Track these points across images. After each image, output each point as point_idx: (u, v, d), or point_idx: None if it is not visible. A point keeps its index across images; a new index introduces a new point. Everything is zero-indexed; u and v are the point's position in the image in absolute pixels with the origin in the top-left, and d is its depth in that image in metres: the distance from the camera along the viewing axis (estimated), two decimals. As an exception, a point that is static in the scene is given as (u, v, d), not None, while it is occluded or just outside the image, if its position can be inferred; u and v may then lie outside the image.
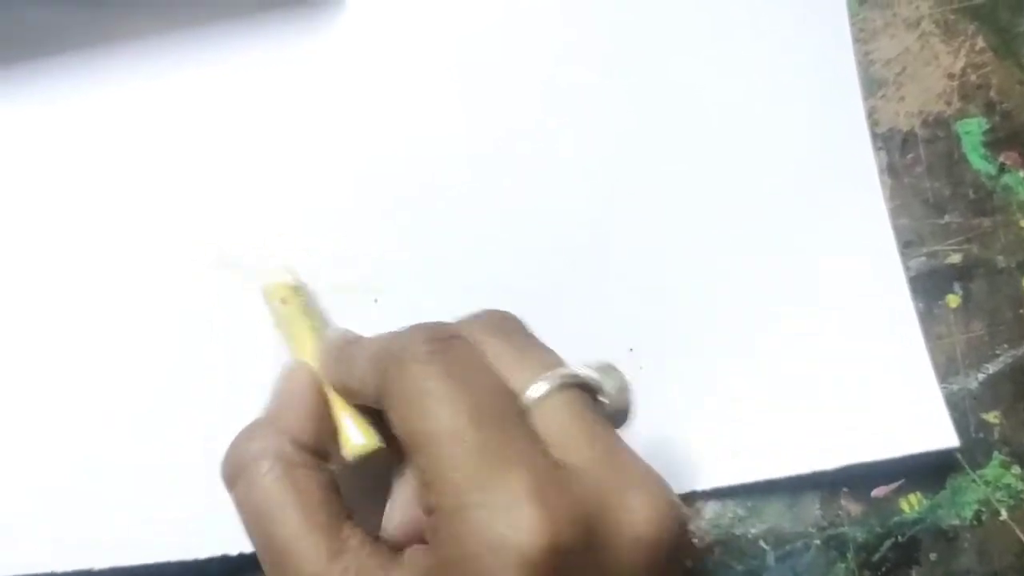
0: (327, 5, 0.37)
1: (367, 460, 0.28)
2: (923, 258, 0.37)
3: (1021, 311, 0.37)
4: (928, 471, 0.35)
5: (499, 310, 0.28)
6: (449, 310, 0.34)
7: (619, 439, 0.25)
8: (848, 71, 0.38)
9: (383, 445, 0.28)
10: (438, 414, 0.24)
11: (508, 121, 0.37)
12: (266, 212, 0.36)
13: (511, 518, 0.22)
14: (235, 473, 0.27)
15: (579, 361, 0.26)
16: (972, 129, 0.38)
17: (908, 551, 0.35)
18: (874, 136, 0.38)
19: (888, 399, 0.35)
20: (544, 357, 0.26)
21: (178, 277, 0.35)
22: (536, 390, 0.25)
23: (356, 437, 0.28)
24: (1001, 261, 0.37)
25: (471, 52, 0.37)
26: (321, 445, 0.28)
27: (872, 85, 0.38)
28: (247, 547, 0.27)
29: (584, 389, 0.26)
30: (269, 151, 0.36)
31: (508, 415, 0.24)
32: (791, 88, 0.38)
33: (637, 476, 0.24)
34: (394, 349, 0.25)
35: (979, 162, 0.38)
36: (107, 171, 0.36)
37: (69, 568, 0.32)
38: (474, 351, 0.26)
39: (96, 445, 0.33)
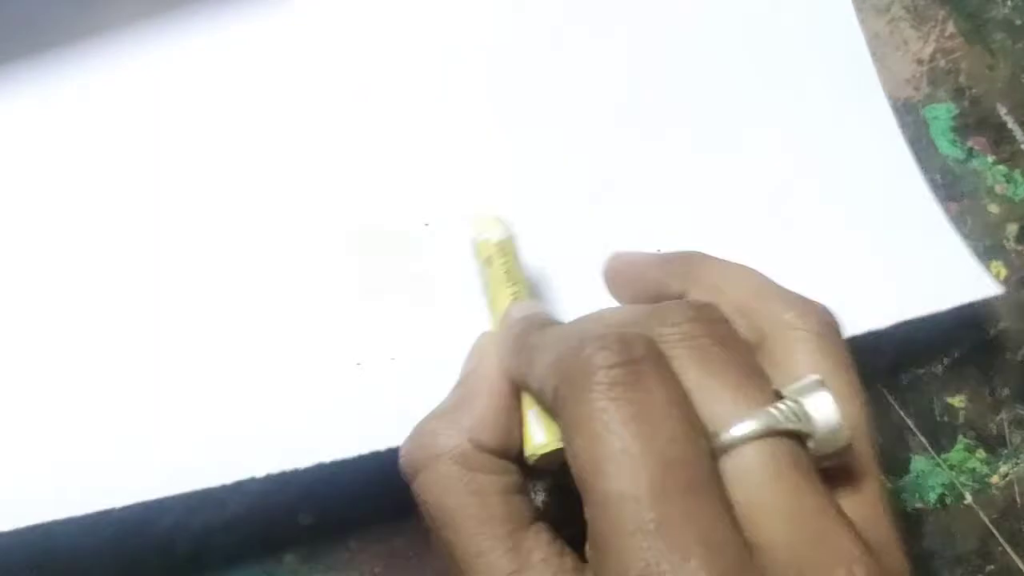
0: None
1: (549, 457, 0.25)
2: (890, 242, 0.37)
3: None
4: (892, 454, 0.35)
5: (696, 307, 0.24)
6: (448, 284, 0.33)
7: (828, 503, 0.21)
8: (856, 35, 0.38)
9: (563, 445, 0.25)
10: (615, 473, 0.20)
11: (484, 91, 0.36)
12: (251, 202, 0.35)
13: None
14: (416, 467, 0.25)
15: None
16: (940, 114, 0.38)
17: (871, 534, 0.35)
18: (842, 121, 0.38)
19: (923, 262, 0.34)
20: (745, 385, 0.22)
21: (177, 265, 0.34)
22: (732, 431, 0.21)
23: (537, 435, 0.26)
24: (968, 245, 0.37)
25: (438, 27, 0.37)
26: (507, 442, 0.26)
27: (841, 70, 0.38)
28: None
29: (789, 435, 0.22)
30: (248, 140, 0.36)
31: (697, 476, 0.20)
32: (802, 67, 0.37)
33: (846, 563, 0.20)
34: (573, 363, 0.22)
35: (947, 147, 0.38)
36: (90, 167, 0.35)
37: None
38: (666, 381, 0.21)
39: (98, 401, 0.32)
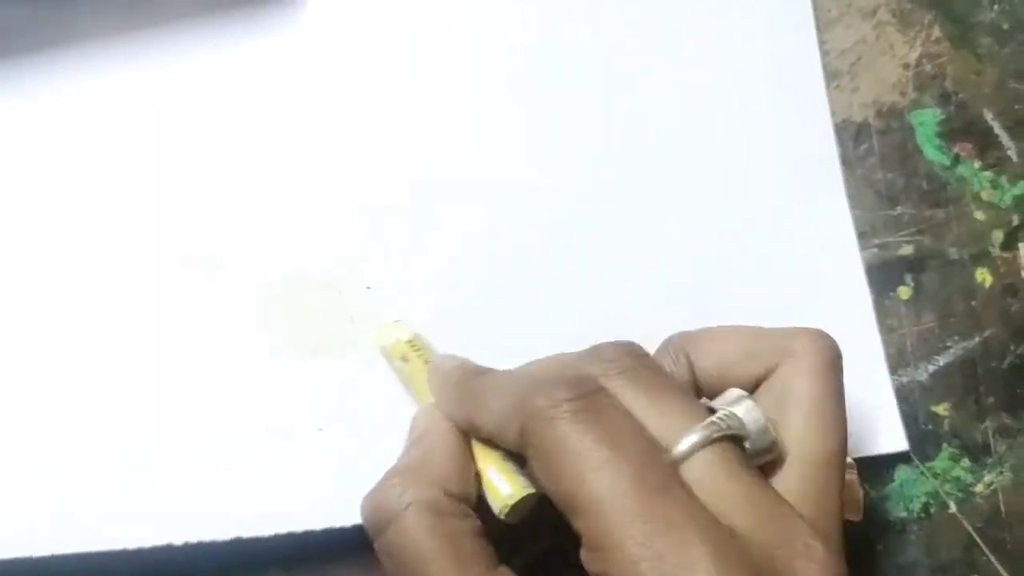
0: (289, 2, 0.37)
1: (517, 507, 0.27)
2: (875, 250, 0.37)
3: (973, 303, 0.37)
4: (876, 463, 0.35)
5: (624, 345, 0.27)
6: (433, 300, 0.34)
7: (774, 492, 0.25)
8: (812, 62, 0.38)
9: (532, 491, 0.27)
10: (598, 479, 0.23)
11: (477, 115, 0.36)
12: (239, 212, 0.35)
13: None
14: (382, 520, 0.26)
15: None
16: (926, 120, 0.38)
17: (855, 543, 0.35)
18: (828, 127, 0.38)
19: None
20: (682, 404, 0.25)
21: (148, 278, 0.34)
22: (683, 444, 0.24)
23: (503, 488, 0.27)
24: (953, 252, 0.37)
25: (436, 47, 0.37)
26: (468, 490, 0.28)
27: (826, 75, 0.38)
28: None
29: (730, 439, 0.25)
30: (235, 151, 0.35)
31: (667, 476, 0.24)
32: (755, 78, 0.38)
33: (802, 539, 0.24)
34: (537, 402, 0.24)
35: (933, 153, 0.38)
36: (68, 174, 0.35)
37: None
38: (620, 406, 0.25)
39: (63, 438, 0.33)
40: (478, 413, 0.27)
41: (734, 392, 0.27)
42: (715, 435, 0.24)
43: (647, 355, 0.27)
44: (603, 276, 0.35)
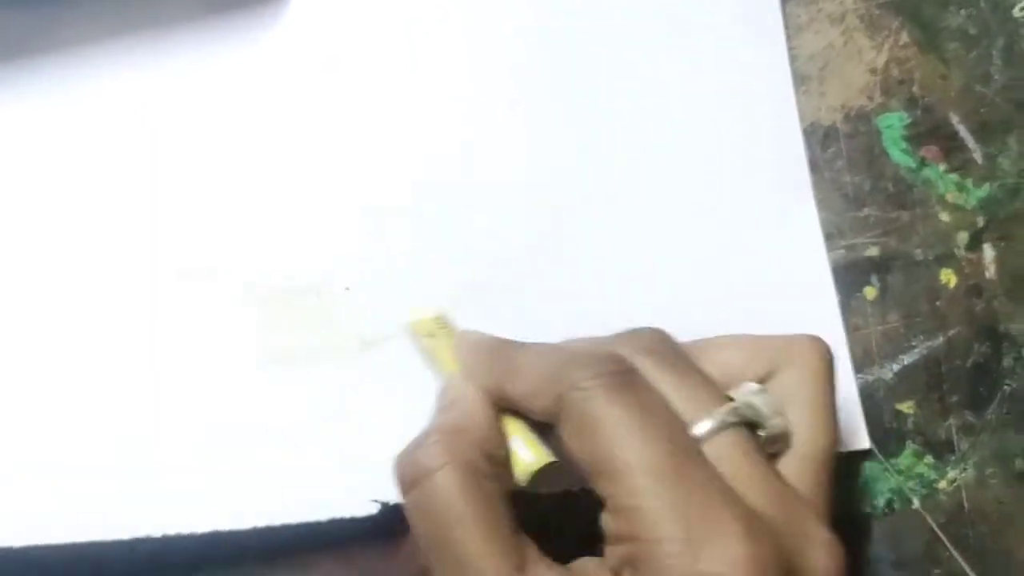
0: (271, 4, 0.37)
1: (537, 477, 0.28)
2: (842, 251, 0.37)
3: (938, 303, 0.37)
4: (840, 460, 0.35)
5: (652, 329, 0.29)
6: (431, 302, 0.34)
7: (783, 478, 0.27)
8: (781, 67, 0.39)
9: (555, 459, 0.28)
10: (631, 445, 0.24)
11: (456, 116, 0.37)
12: (226, 218, 0.35)
13: (723, 556, 0.23)
14: (416, 475, 0.27)
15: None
16: (893, 123, 0.39)
17: (820, 539, 0.35)
18: (796, 130, 0.38)
19: None
20: (704, 388, 0.27)
21: (139, 287, 0.34)
22: (702, 426, 0.26)
23: (527, 457, 0.28)
24: (919, 254, 0.38)
25: (419, 48, 0.37)
26: (503, 456, 0.28)
27: (795, 80, 0.38)
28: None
29: (747, 425, 0.27)
30: (229, 159, 0.36)
31: (694, 450, 0.25)
32: (725, 83, 0.38)
33: (814, 526, 0.26)
34: (575, 374, 0.26)
35: (899, 156, 0.38)
36: (54, 181, 0.35)
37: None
38: (649, 385, 0.26)
39: (58, 439, 0.33)
40: (511, 381, 0.28)
41: (752, 385, 0.29)
42: (735, 419, 0.26)
43: (675, 341, 0.29)
44: (575, 278, 0.36)
